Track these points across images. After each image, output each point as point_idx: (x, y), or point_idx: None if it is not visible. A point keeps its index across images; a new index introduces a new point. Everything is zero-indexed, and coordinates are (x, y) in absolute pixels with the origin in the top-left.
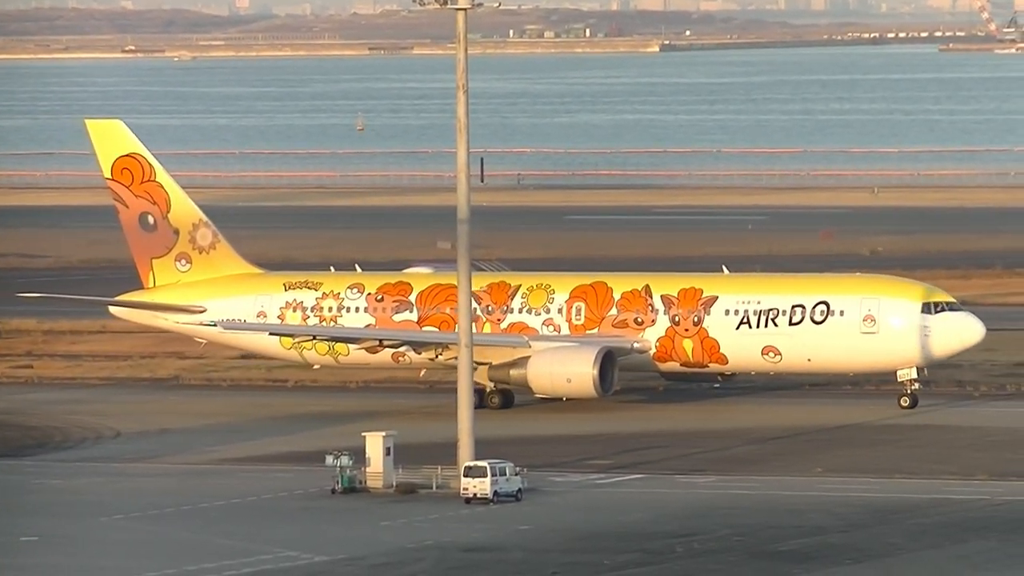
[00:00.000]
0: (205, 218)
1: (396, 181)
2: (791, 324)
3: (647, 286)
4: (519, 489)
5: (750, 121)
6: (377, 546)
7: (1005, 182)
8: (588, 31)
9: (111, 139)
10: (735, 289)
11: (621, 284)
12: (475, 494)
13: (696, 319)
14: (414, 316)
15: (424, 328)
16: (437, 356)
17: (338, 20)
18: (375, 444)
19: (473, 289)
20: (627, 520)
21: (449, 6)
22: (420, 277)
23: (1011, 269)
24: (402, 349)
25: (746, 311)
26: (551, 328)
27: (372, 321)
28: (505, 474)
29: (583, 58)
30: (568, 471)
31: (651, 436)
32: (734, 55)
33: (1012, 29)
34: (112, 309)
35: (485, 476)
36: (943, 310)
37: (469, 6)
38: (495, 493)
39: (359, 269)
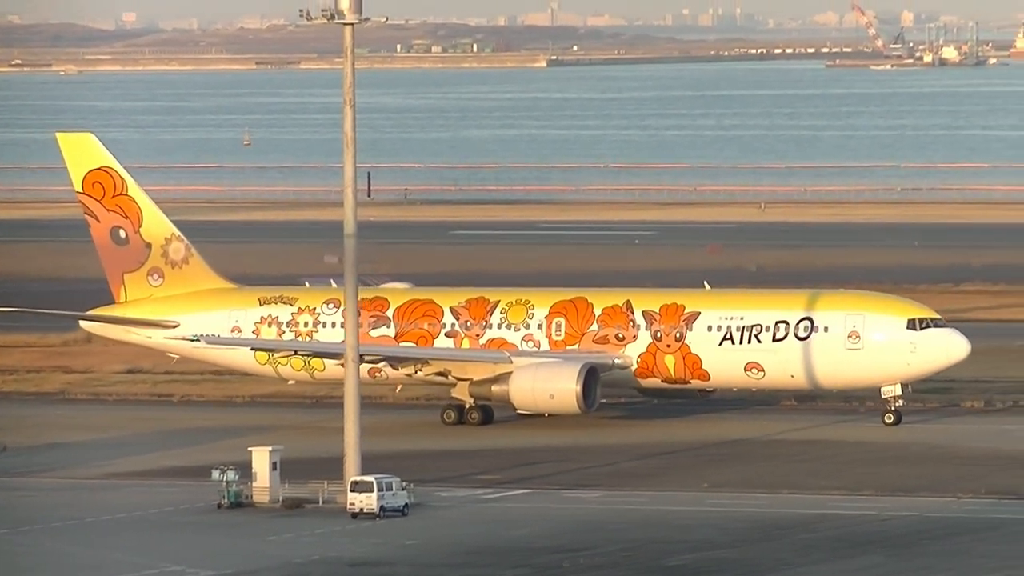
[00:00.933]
0: (178, 232)
1: (283, 196)
2: (775, 340)
3: (628, 302)
4: (406, 504)
5: (637, 136)
6: (264, 561)
7: (891, 198)
8: (475, 46)
9: (82, 152)
10: (718, 305)
11: (602, 300)
12: (361, 509)
13: (678, 335)
14: (391, 331)
15: (401, 344)
16: (417, 372)
17: (225, 34)
18: (261, 459)
19: (451, 304)
20: (514, 535)
21: (336, 21)
22: (396, 292)
23: (898, 285)
24: (380, 364)
25: (729, 327)
26: (531, 344)
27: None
28: (392, 489)
29: (470, 73)
30: (455, 486)
31: (539, 451)
32: (621, 70)
33: (899, 45)
34: (83, 324)
35: (371, 491)
36: (928, 326)
37: (356, 21)
38: (381, 508)
39: (334, 284)
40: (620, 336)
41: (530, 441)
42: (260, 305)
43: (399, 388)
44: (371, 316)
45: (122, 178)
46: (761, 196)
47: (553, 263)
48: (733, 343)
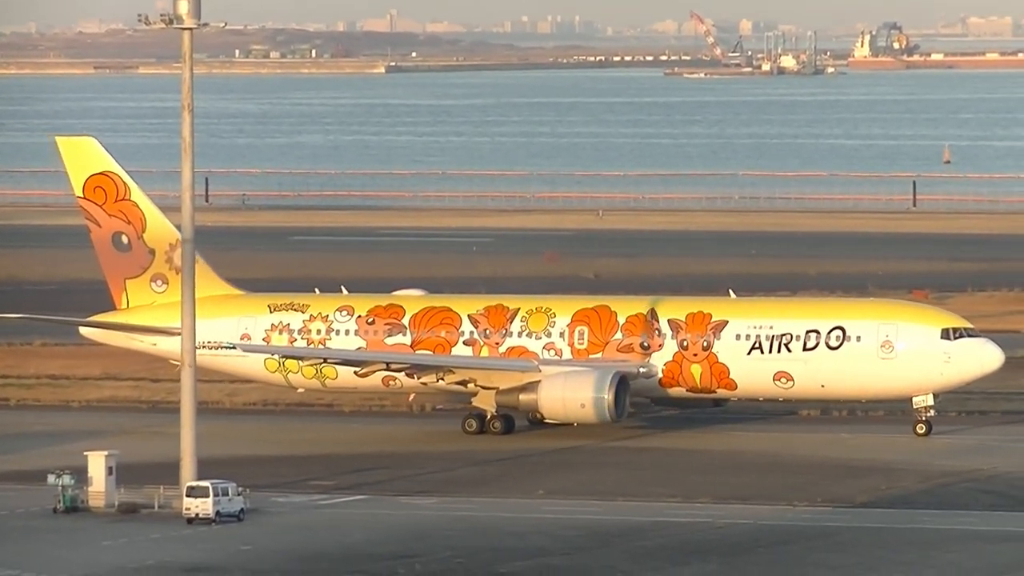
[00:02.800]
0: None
1: None
2: (805, 350)
3: (652, 310)
4: (241, 509)
5: (474, 143)
6: (98, 566)
7: (729, 206)
8: (314, 52)
9: (83, 157)
10: (746, 313)
11: (626, 308)
12: (197, 514)
13: (706, 344)
14: (407, 339)
15: (418, 352)
16: (439, 380)
17: (64, 39)
18: (97, 463)
19: (469, 312)
20: (349, 541)
21: (175, 26)
22: (412, 300)
23: (736, 293)
24: (395, 373)
25: (758, 336)
26: (552, 352)
27: (363, 344)
28: (227, 494)
29: (309, 79)
30: (291, 492)
31: (375, 457)
32: (460, 77)
33: (737, 53)
34: (83, 331)
35: (207, 496)
36: (962, 336)
37: (194, 26)
38: (217, 513)
39: (345, 290)
40: (645, 345)
41: (366, 448)
42: (271, 312)
43: (412, 397)
44: (386, 324)
45: (125, 183)
46: (599, 203)
47: (395, 270)
48: (762, 352)
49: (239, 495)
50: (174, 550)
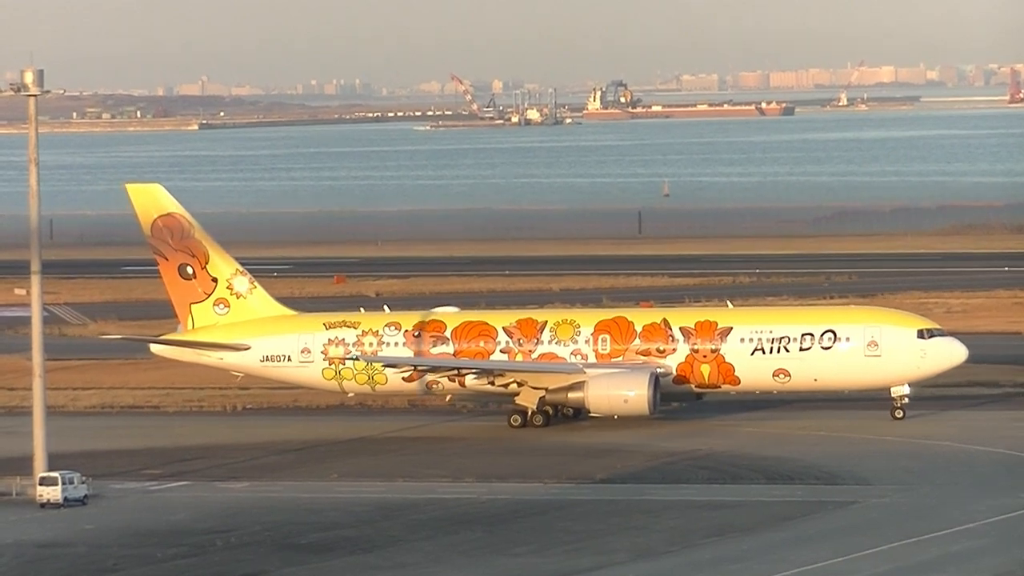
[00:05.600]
0: (241, 268)
1: None
2: (801, 350)
3: (665, 319)
4: (85, 495)
5: (269, 186)
6: None
7: (485, 235)
8: (139, 112)
9: (151, 201)
10: (749, 321)
11: (641, 318)
12: (48, 500)
13: (714, 347)
14: (450, 349)
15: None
16: (491, 382)
17: None
18: None
19: (504, 324)
20: (174, 519)
21: (22, 93)
22: (450, 316)
23: (491, 306)
24: (438, 377)
25: (760, 339)
26: (579, 358)
27: (411, 354)
28: (73, 482)
29: (135, 135)
30: (126, 480)
31: (196, 449)
32: (261, 132)
33: (491, 108)
34: (153, 348)
35: (56, 484)
36: (935, 335)
37: (38, 93)
38: (65, 498)
39: (387, 309)
40: (661, 349)
41: (189, 441)
42: (326, 329)
43: (449, 398)
44: (431, 336)
45: (189, 222)
46: (378, 235)
47: None
48: (764, 353)
49: (83, 483)
50: (29, 530)
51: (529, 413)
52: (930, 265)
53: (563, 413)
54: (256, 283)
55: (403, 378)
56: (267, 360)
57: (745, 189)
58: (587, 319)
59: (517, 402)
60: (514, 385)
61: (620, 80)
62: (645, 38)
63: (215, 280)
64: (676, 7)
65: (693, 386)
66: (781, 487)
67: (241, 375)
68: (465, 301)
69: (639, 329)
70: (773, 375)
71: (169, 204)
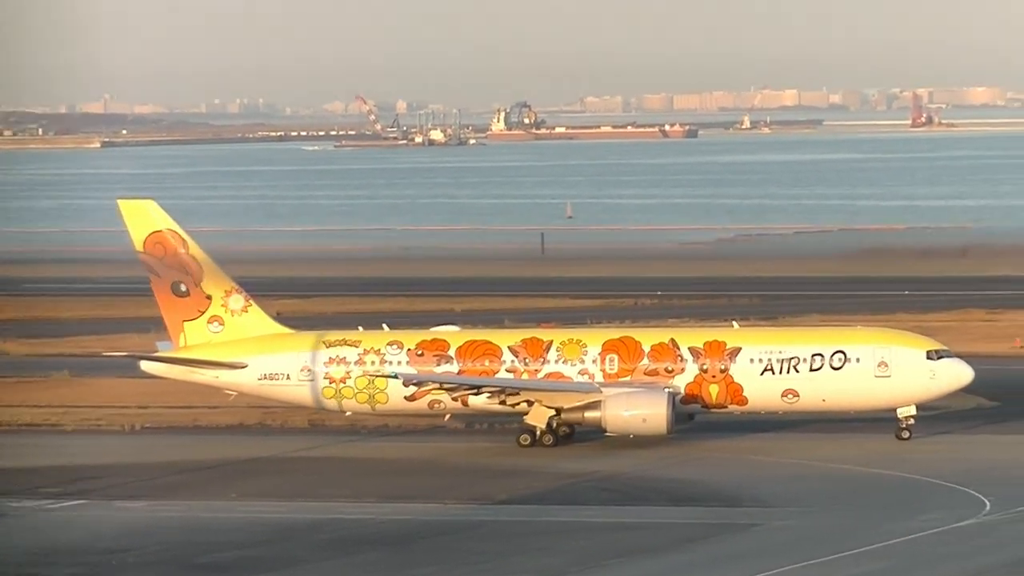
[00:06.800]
0: (236, 285)
1: None
2: (811, 370)
3: (672, 339)
4: None
5: (172, 204)
6: None
7: (388, 255)
8: (41, 130)
9: (143, 217)
10: (759, 341)
11: (648, 338)
12: None
13: (723, 367)
14: (455, 368)
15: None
16: (502, 401)
17: None
18: None
19: (509, 344)
20: (72, 538)
21: None
22: (451, 334)
23: (397, 322)
24: (439, 396)
25: (769, 359)
26: (586, 377)
27: (415, 373)
28: None
29: (37, 153)
30: (24, 498)
31: (94, 468)
32: (164, 150)
33: (394, 128)
34: (144, 365)
35: None
36: (943, 357)
37: None
38: None
39: (386, 328)
40: (669, 369)
41: (87, 460)
42: (327, 347)
43: (447, 417)
44: (435, 355)
45: (183, 239)
46: (279, 254)
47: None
48: (774, 373)
49: None
50: None
51: (539, 432)
52: (832, 288)
53: (562, 432)
54: (252, 301)
55: (405, 397)
56: (265, 378)
57: (648, 211)
58: (594, 339)
59: (527, 421)
60: (524, 404)
61: (524, 101)
62: (550, 60)
63: (209, 297)
64: (581, 30)
65: (700, 406)
66: (684, 509)
67: (235, 394)
68: (368, 321)
69: (647, 349)
70: (782, 395)
71: (162, 220)
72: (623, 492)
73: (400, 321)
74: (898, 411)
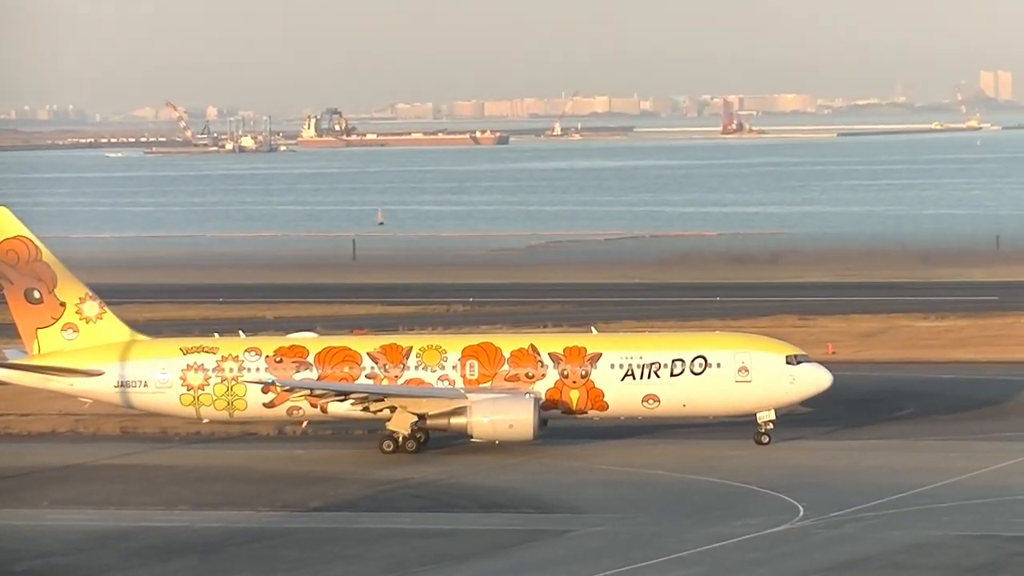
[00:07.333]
0: (91, 292)
1: None
2: (672, 376)
3: (532, 345)
4: None
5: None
6: None
7: (201, 263)
8: None
9: None
10: (619, 346)
11: (508, 344)
12: None
13: (584, 372)
14: (314, 375)
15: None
16: (365, 407)
17: None
18: None
19: (368, 351)
20: None
21: None
22: (309, 341)
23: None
24: (299, 402)
25: (630, 365)
26: (446, 383)
27: (274, 379)
28: None
29: None
30: None
31: None
32: None
33: (205, 135)
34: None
35: None
36: (802, 362)
37: None
38: None
39: (243, 334)
40: (530, 375)
41: None
42: (184, 354)
43: (305, 424)
44: (293, 361)
45: (36, 246)
46: (88, 260)
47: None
48: (634, 379)
49: None
50: None
51: (401, 439)
52: (644, 295)
53: (417, 438)
54: (106, 308)
55: (263, 404)
56: (122, 386)
57: (459, 218)
58: (454, 344)
59: (389, 427)
60: (386, 411)
61: (334, 108)
62: (360, 67)
63: (63, 304)
64: (389, 36)
65: (561, 412)
66: (495, 515)
67: (90, 401)
68: (181, 328)
69: (507, 355)
70: (643, 401)
71: (14, 227)
72: (435, 499)
73: (209, 328)
74: (757, 416)
